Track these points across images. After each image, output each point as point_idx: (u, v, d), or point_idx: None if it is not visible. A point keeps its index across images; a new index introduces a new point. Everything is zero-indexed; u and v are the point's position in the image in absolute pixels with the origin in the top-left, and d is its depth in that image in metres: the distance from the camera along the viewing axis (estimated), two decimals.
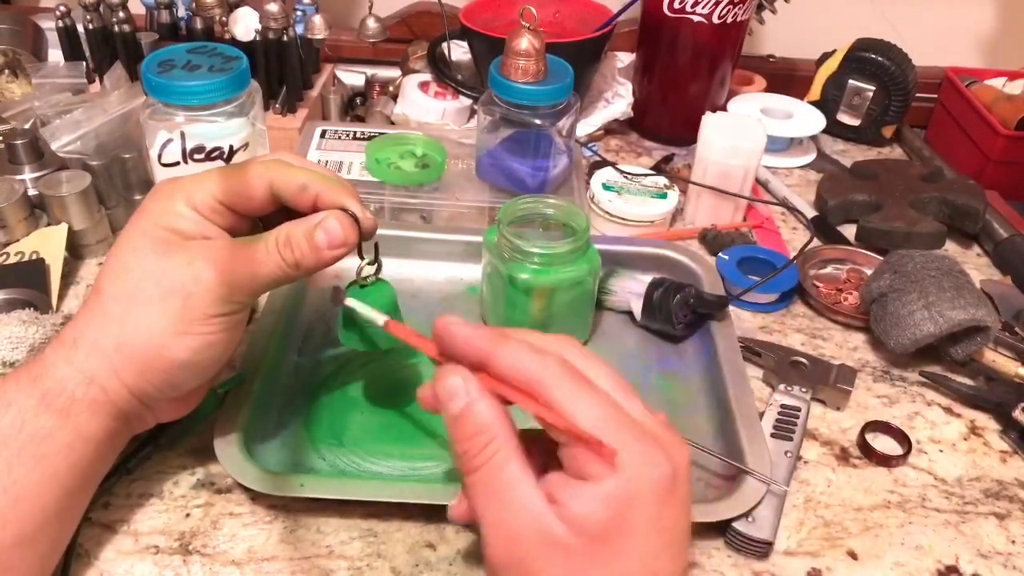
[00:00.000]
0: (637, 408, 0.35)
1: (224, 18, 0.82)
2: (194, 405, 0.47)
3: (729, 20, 0.82)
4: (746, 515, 0.47)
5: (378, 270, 0.47)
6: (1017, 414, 0.56)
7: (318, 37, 0.83)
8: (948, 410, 0.59)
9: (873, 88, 0.90)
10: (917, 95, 0.91)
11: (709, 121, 0.75)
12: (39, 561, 0.40)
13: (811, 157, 0.89)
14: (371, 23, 0.87)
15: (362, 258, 0.46)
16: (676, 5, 0.82)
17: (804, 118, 0.89)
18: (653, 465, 0.32)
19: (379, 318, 0.43)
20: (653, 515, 0.32)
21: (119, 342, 0.40)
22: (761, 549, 0.47)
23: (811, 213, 0.79)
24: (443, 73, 0.88)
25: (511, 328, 0.37)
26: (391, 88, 0.92)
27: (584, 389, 0.34)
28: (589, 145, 0.86)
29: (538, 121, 0.67)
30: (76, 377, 0.40)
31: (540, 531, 0.32)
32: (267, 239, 0.41)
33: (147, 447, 0.49)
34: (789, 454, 0.52)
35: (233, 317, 0.42)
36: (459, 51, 0.90)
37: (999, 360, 0.60)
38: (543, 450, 0.36)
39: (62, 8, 0.81)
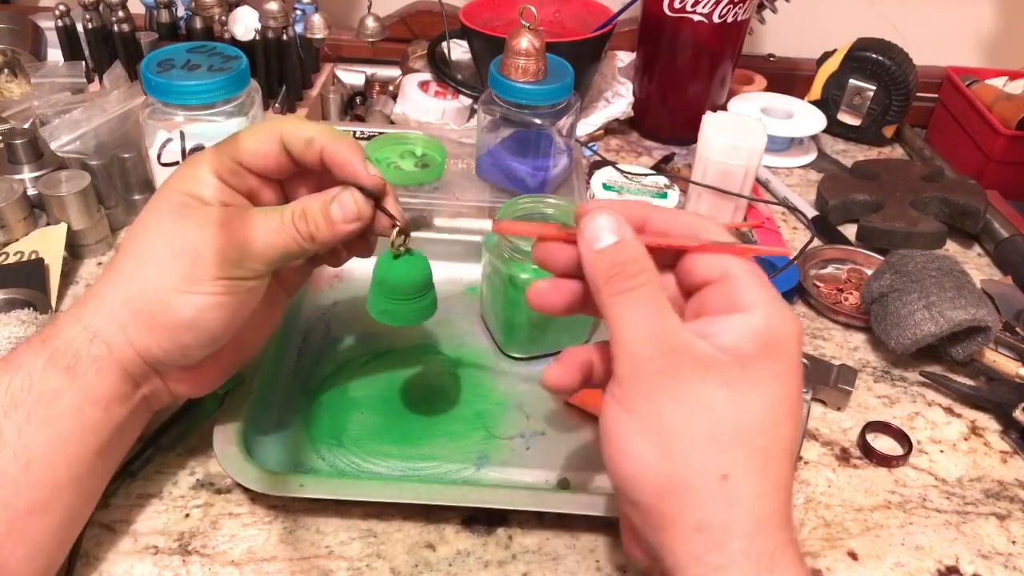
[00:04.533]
0: None
1: (223, 18, 0.82)
2: (211, 384, 0.46)
3: (729, 20, 0.82)
4: None
5: (406, 239, 0.46)
6: (1018, 414, 0.56)
7: (318, 37, 0.82)
8: (949, 410, 0.59)
9: (874, 88, 0.90)
10: (918, 95, 0.91)
11: (709, 121, 0.75)
12: (55, 532, 0.40)
13: (811, 157, 0.89)
14: (370, 22, 0.87)
15: (392, 222, 0.45)
16: (676, 5, 0.82)
17: (804, 118, 0.89)
18: (793, 319, 0.35)
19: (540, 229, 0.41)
20: (796, 355, 0.35)
21: (126, 297, 0.40)
22: None
23: (811, 213, 0.78)
24: (443, 73, 0.88)
25: None
26: (391, 87, 0.92)
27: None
28: (589, 145, 0.86)
29: (538, 121, 0.67)
30: (81, 334, 0.40)
31: (694, 351, 0.34)
32: (284, 211, 0.42)
33: (149, 448, 0.49)
34: None
35: (244, 283, 0.41)
36: (459, 51, 0.90)
37: (1000, 360, 0.60)
38: None
39: (61, 7, 0.81)
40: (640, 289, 0.35)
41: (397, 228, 0.45)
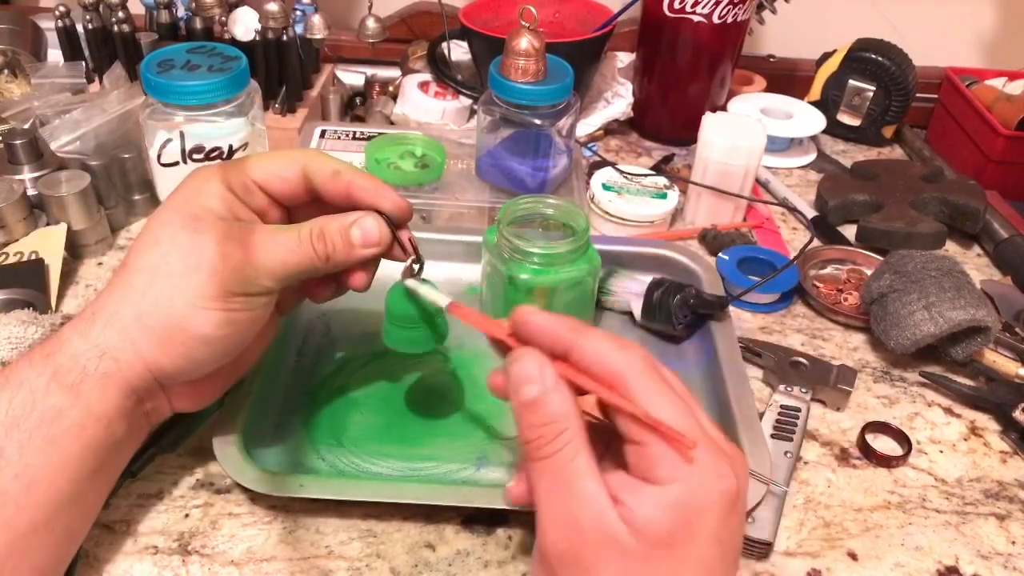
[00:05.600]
0: (705, 419, 0.35)
1: (223, 18, 0.82)
2: (210, 398, 0.46)
3: (729, 20, 0.82)
4: (746, 515, 0.47)
5: (420, 270, 0.46)
6: (1017, 415, 0.56)
7: (317, 37, 0.83)
8: (948, 411, 0.59)
9: (873, 88, 0.90)
10: (917, 95, 0.91)
11: (709, 121, 0.75)
12: (55, 548, 0.40)
13: (811, 157, 0.89)
14: (371, 23, 0.87)
15: (405, 253, 0.45)
16: (676, 5, 0.82)
17: (804, 118, 0.89)
18: (721, 477, 0.32)
19: (442, 300, 0.43)
20: (715, 527, 0.32)
21: (140, 312, 0.40)
22: (761, 550, 0.47)
23: (811, 213, 0.78)
24: (443, 73, 0.88)
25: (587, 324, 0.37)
26: (391, 88, 0.92)
27: (665, 390, 0.34)
28: (589, 145, 0.86)
29: (538, 121, 0.67)
30: (89, 351, 0.40)
31: (601, 530, 0.32)
32: (300, 229, 0.42)
33: (149, 448, 0.49)
34: (789, 455, 0.52)
35: (258, 299, 0.42)
36: (459, 51, 0.90)
37: (999, 360, 0.60)
38: (601, 444, 0.36)
39: (61, 8, 0.81)
40: (554, 457, 0.33)
41: (412, 259, 0.45)
